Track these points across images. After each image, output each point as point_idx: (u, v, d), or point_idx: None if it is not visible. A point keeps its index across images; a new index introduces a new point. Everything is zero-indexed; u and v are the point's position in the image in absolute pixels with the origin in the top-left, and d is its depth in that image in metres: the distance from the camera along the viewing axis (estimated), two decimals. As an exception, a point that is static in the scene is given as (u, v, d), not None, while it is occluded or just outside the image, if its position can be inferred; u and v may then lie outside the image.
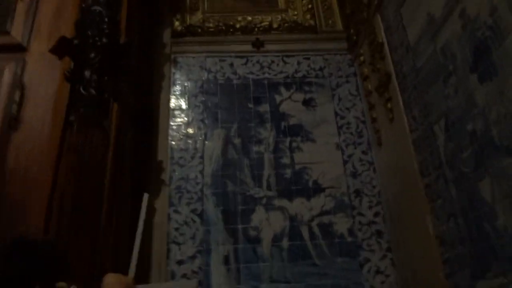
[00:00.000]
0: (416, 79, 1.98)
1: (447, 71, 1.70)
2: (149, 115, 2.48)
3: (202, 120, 2.63)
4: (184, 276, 2.18)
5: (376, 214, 2.43)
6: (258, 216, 2.38)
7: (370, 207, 2.45)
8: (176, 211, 2.34)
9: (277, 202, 2.42)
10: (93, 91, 1.66)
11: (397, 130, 2.22)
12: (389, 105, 2.29)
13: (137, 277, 1.81)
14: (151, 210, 2.25)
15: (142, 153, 2.36)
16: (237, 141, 2.57)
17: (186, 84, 2.73)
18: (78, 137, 1.58)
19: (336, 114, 2.71)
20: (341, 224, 2.39)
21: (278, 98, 2.73)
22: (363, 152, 2.61)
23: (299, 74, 2.81)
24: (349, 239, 2.35)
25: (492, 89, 1.42)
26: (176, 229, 2.30)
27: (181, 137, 2.56)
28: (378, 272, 2.27)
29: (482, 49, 1.45)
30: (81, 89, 1.64)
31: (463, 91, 1.59)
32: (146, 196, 1.47)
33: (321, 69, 2.84)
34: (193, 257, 2.24)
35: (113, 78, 1.82)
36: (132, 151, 2.16)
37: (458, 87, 1.63)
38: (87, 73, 1.66)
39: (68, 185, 1.49)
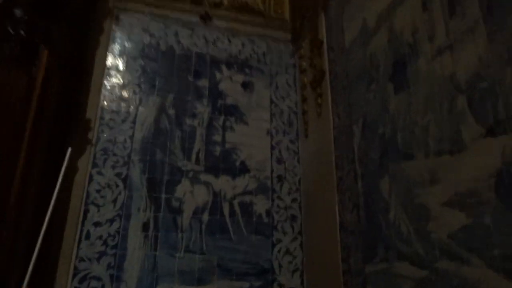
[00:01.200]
0: (345, 79, 2.15)
1: (371, 77, 1.88)
2: (81, 68, 2.39)
3: (139, 85, 2.59)
4: (99, 238, 2.18)
5: (294, 200, 2.61)
6: (183, 188, 2.44)
7: (289, 193, 2.63)
8: (99, 173, 2.31)
9: (203, 177, 2.50)
10: (22, 32, 1.57)
11: (323, 125, 2.40)
12: (319, 101, 2.45)
13: (51, 232, 1.79)
14: (73, 168, 2.20)
15: (69, 107, 2.28)
16: (171, 111, 2.58)
17: (126, 44, 2.65)
18: (1, 77, 1.50)
19: (271, 101, 2.83)
20: (260, 205, 2.54)
21: (218, 75, 2.77)
22: (291, 141, 2.77)
23: (242, 56, 2.87)
24: (266, 219, 2.51)
25: (402, 100, 1.61)
26: (98, 191, 2.27)
27: (114, 98, 2.51)
28: (287, 252, 2.47)
29: (400, 63, 1.64)
30: (9, 28, 1.55)
31: (380, 97, 1.78)
32: (69, 150, 1.45)
33: (263, 54, 2.92)
34: (111, 220, 2.24)
35: (46, 21, 1.73)
36: (58, 102, 2.08)
37: (377, 93, 1.81)
38: (17, 11, 1.56)
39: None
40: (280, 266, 2.41)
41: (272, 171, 2.65)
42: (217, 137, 2.62)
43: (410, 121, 1.56)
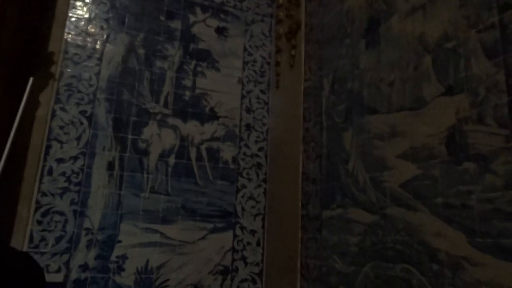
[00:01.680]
0: (320, 33, 2.15)
1: (345, 33, 1.90)
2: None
3: (107, 20, 2.46)
4: (62, 174, 2.16)
5: (260, 149, 2.68)
6: (150, 130, 2.43)
7: (256, 142, 2.69)
8: (62, 109, 2.24)
9: (171, 121, 2.49)
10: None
11: (294, 77, 2.42)
12: (293, 52, 2.46)
13: (10, 166, 1.75)
14: (34, 103, 2.12)
15: (30, 38, 2.15)
16: (141, 51, 2.50)
17: (94, -24, 2.48)
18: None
19: (245, 49, 2.80)
20: (227, 152, 2.59)
21: (192, 18, 2.68)
22: (262, 91, 2.78)
23: (218, 0, 2.77)
24: (232, 166, 2.58)
25: (372, 56, 1.66)
26: (61, 127, 2.22)
27: (80, 32, 2.38)
28: (251, 198, 2.57)
29: (375, 19, 1.66)
30: None
31: (352, 53, 1.82)
32: (31, 80, 1.39)
33: (241, 0, 2.84)
34: (75, 158, 2.21)
35: None
36: (17, 31, 1.96)
37: (349, 49, 1.85)
38: None
39: None
40: (243, 210, 2.52)
41: (241, 119, 2.68)
42: (187, 82, 2.59)
43: (377, 78, 1.62)
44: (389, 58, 1.55)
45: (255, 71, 2.79)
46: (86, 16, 2.42)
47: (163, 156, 2.42)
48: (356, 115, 1.75)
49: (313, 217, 1.99)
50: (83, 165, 2.22)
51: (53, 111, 2.23)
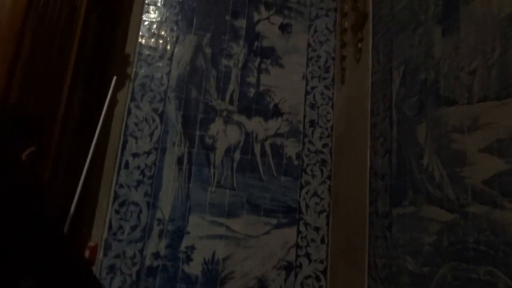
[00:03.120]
0: (390, 23, 2.06)
1: (418, 21, 1.79)
2: (120, 2, 2.40)
3: (176, 22, 2.58)
4: (137, 168, 2.31)
5: (325, 145, 2.64)
6: (216, 126, 2.50)
7: (320, 138, 2.65)
8: (137, 107, 2.39)
9: (236, 117, 2.55)
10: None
11: (361, 71, 2.34)
12: (359, 45, 2.38)
13: (93, 160, 1.91)
14: (113, 101, 2.29)
15: (108, 41, 2.33)
16: (208, 51, 2.59)
17: (165, -20, 2.61)
18: (44, 7, 1.54)
19: (309, 45, 2.77)
20: (291, 148, 2.58)
21: (256, 16, 2.71)
22: (326, 87, 2.74)
23: (282, -4, 2.78)
24: (296, 162, 2.57)
25: (450, 44, 1.55)
26: (136, 124, 2.37)
27: (152, 34, 2.53)
28: (315, 194, 2.54)
29: (452, 3, 1.55)
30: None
31: (426, 42, 1.71)
32: (115, 79, 1.51)
33: (304, -4, 2.82)
34: (148, 153, 2.35)
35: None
36: (98, 33, 2.13)
37: (423, 38, 1.74)
38: None
39: (33, 51, 1.48)
40: (307, 206, 2.50)
41: (304, 115, 2.66)
42: (252, 79, 2.63)
43: (456, 66, 1.51)
44: (470, 44, 1.44)
45: (319, 67, 2.75)
46: (158, 19, 2.57)
47: (228, 151, 2.48)
48: (431, 107, 1.64)
49: (382, 214, 1.91)
50: (155, 159, 2.35)
51: (129, 109, 2.39)
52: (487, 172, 1.29)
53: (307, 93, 2.70)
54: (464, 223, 1.36)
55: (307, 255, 2.43)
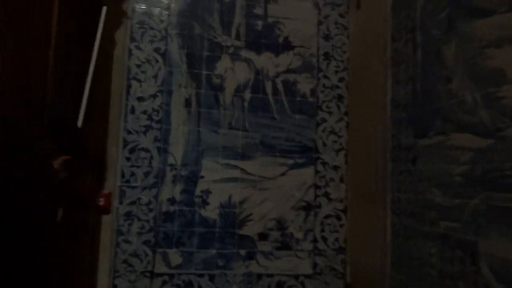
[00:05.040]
0: None
1: None
2: None
3: (172, -50, 2.33)
4: (144, 113, 2.21)
5: (341, 80, 2.45)
6: (223, 64, 2.33)
7: (336, 72, 2.46)
8: (138, 48, 2.23)
9: (244, 53, 2.36)
10: None
11: (380, -9, 2.09)
12: (378, -39, 2.10)
13: (97, 108, 1.79)
14: (111, 42, 2.13)
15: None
16: (209, -20, 2.35)
17: None
18: None
19: (321, -33, 2.48)
20: (304, 84, 2.41)
21: None
22: (340, 15, 2.49)
23: None
24: (311, 99, 2.41)
25: None
26: (138, 66, 2.23)
27: (147, -35, 2.29)
28: (332, 132, 2.41)
29: None
30: None
31: None
32: (104, 9, 1.35)
33: None
34: (154, 96, 2.23)
35: None
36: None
37: None
38: None
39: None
40: (324, 145, 2.38)
41: (318, 48, 2.45)
42: (259, 10, 2.40)
43: (496, -33, 1.27)
44: None
45: (332, -8, 2.49)
46: None
47: (238, 91, 2.33)
48: (461, 22, 1.43)
49: (406, 147, 1.77)
50: (162, 103, 2.23)
51: (130, 50, 2.23)
52: (531, 88, 1.12)
53: (319, 23, 2.47)
54: (501, 148, 1.22)
55: (326, 194, 2.35)
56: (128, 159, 2.17)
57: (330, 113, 2.42)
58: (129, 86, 2.21)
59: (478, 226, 1.29)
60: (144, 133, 2.20)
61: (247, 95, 2.34)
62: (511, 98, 1.19)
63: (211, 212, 2.22)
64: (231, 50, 2.35)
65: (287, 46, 2.42)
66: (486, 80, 1.30)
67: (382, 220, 1.91)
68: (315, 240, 2.30)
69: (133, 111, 2.20)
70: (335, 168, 2.37)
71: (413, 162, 1.70)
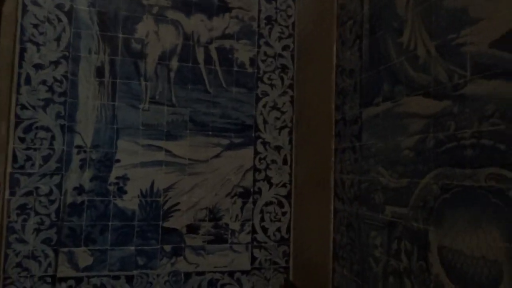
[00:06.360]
0: None
1: None
2: None
3: None
4: (43, 83, 1.80)
5: (285, 47, 2.14)
6: (145, 27, 1.96)
7: (280, 39, 2.14)
8: (35, 3, 1.81)
9: (170, 14, 1.99)
10: None
11: None
12: None
13: None
14: (-9, -9, 1.70)
15: None
16: None
17: None
18: None
19: None
20: (243, 52, 2.08)
21: None
22: (286, -25, 2.17)
23: None
24: (250, 69, 2.09)
25: None
26: (35, 25, 1.81)
27: None
28: (274, 107, 2.10)
29: None
30: None
31: None
32: None
33: None
34: (56, 63, 1.82)
35: None
36: None
37: None
38: None
39: None
40: (265, 122, 2.07)
41: (259, 10, 2.12)
42: (189, -37, 2.03)
43: None
44: None
45: None
46: None
47: (163, 59, 1.96)
48: (415, -42, 1.14)
49: (351, 120, 1.49)
50: (66, 71, 1.83)
51: (24, 6, 1.80)
52: (498, 28, 0.84)
53: (262, -18, 2.13)
54: (458, 110, 0.94)
55: (267, 178, 2.05)
56: (22, 140, 1.76)
57: (272, 85, 2.10)
58: (23, 50, 1.79)
59: (429, 211, 1.02)
60: (44, 108, 1.79)
61: (174, 64, 1.98)
62: (474, 45, 0.91)
63: (129, 202, 1.86)
64: (155, 10, 1.97)
65: (223, 7, 2.07)
66: (444, 25, 1.02)
67: (326, 206, 1.63)
68: (253, 231, 2.00)
69: (28, 81, 1.78)
70: (278, 148, 2.07)
71: (358, 136, 1.42)
